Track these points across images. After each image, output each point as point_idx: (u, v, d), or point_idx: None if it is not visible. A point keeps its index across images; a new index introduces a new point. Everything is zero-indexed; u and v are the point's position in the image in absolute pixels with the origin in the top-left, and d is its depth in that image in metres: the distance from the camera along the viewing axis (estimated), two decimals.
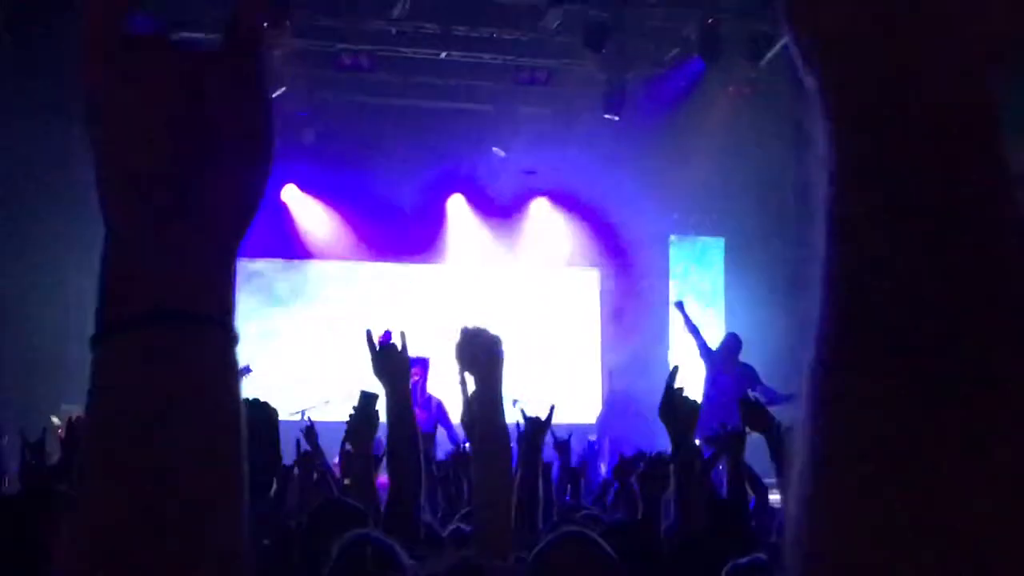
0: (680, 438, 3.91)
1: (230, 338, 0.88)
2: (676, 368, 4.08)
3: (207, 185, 0.89)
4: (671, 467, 3.95)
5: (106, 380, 0.86)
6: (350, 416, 4.79)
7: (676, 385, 4.01)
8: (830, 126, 0.68)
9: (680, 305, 13.66)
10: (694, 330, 13.16)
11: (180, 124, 0.88)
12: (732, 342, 13.00)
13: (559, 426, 9.12)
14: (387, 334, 11.00)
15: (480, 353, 3.10)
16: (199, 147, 0.89)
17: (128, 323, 0.85)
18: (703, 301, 15.79)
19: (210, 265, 0.89)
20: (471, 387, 3.13)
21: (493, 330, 3.22)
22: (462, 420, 3.53)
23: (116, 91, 0.89)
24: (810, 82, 0.70)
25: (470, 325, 3.24)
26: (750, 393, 9.63)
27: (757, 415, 4.86)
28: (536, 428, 4.75)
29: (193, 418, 0.85)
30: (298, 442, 6.31)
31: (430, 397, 11.89)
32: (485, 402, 3.08)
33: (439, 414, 11.72)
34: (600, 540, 2.83)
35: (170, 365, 0.85)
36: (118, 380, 0.86)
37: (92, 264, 0.89)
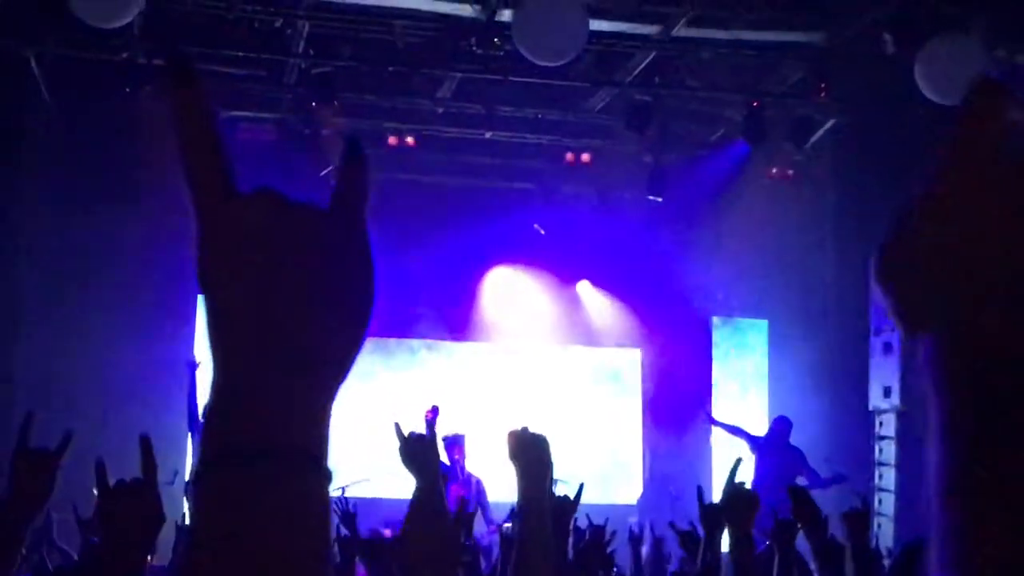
0: (740, 533, 3.94)
1: (327, 475, 0.94)
2: (739, 461, 4.14)
3: (315, 334, 0.95)
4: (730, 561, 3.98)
5: (214, 507, 0.92)
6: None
7: (737, 478, 4.09)
8: (949, 402, 0.74)
9: (709, 418, 13.78)
10: (735, 431, 13.17)
11: (290, 276, 0.94)
12: (782, 426, 12.95)
13: (598, 506, 9.12)
14: (434, 410, 10.99)
15: (531, 457, 3.10)
16: (308, 298, 0.94)
17: (240, 456, 0.91)
18: (744, 383, 15.73)
19: (314, 408, 0.95)
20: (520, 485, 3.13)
21: (540, 429, 3.22)
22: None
23: (230, 243, 0.94)
24: (917, 350, 0.76)
25: (519, 427, 3.24)
26: (798, 480, 9.61)
27: (805, 507, 4.85)
28: (564, 507, 4.70)
29: (292, 544, 0.91)
30: (337, 527, 6.25)
31: (470, 476, 11.88)
32: (533, 506, 3.08)
33: (478, 493, 11.70)
34: None
35: (278, 496, 0.92)
36: (226, 508, 0.92)
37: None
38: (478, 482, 11.92)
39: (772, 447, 12.67)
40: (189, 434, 12.45)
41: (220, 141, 0.97)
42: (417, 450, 3.83)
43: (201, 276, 0.94)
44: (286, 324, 0.93)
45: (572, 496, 4.89)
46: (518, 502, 3.15)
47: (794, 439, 12.88)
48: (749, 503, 4.12)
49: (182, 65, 0.97)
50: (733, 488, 4.12)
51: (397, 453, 3.79)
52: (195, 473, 0.92)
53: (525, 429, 3.20)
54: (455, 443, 11.81)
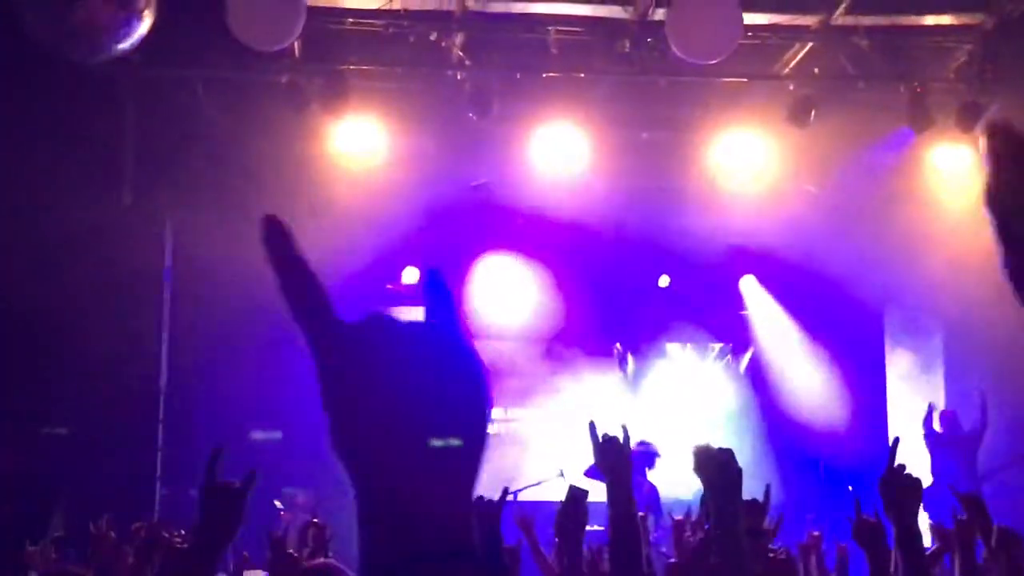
0: (904, 522, 3.66)
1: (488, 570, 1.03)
2: (897, 440, 3.81)
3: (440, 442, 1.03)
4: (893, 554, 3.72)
5: None
6: (559, 512, 4.74)
7: (898, 460, 3.74)
8: None
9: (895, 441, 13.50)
10: (928, 444, 12.95)
11: (407, 392, 1.02)
12: (945, 419, 12.71)
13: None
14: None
15: (717, 470, 3.09)
16: (426, 408, 1.02)
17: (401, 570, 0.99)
18: (919, 372, 15.41)
19: (457, 509, 1.03)
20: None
21: (721, 443, 3.21)
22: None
23: (346, 369, 1.03)
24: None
25: (702, 443, 3.24)
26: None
27: (978, 514, 4.72)
28: (754, 511, 4.63)
29: None
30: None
31: (643, 480, 11.90)
32: (724, 517, 3.07)
33: (650, 498, 11.70)
34: None
35: None
36: None
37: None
38: (652, 488, 11.95)
39: (944, 441, 12.43)
40: None
41: (316, 282, 1.07)
42: (611, 453, 3.84)
43: (325, 402, 1.04)
44: (411, 435, 1.01)
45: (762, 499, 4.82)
46: (709, 515, 3.14)
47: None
48: (912, 490, 3.73)
49: (274, 223, 1.09)
50: (892, 473, 3.76)
51: (591, 452, 3.81)
52: None
53: (709, 445, 3.19)
54: (644, 453, 11.92)
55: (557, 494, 5.10)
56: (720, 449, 3.26)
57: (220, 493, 3.16)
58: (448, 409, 1.03)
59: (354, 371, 1.03)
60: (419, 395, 1.02)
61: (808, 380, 15.38)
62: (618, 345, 15.32)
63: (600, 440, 3.92)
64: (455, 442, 1.03)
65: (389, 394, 1.02)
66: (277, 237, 1.08)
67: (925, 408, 14.13)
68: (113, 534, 6.26)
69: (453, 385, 1.04)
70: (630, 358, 15.39)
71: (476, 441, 1.05)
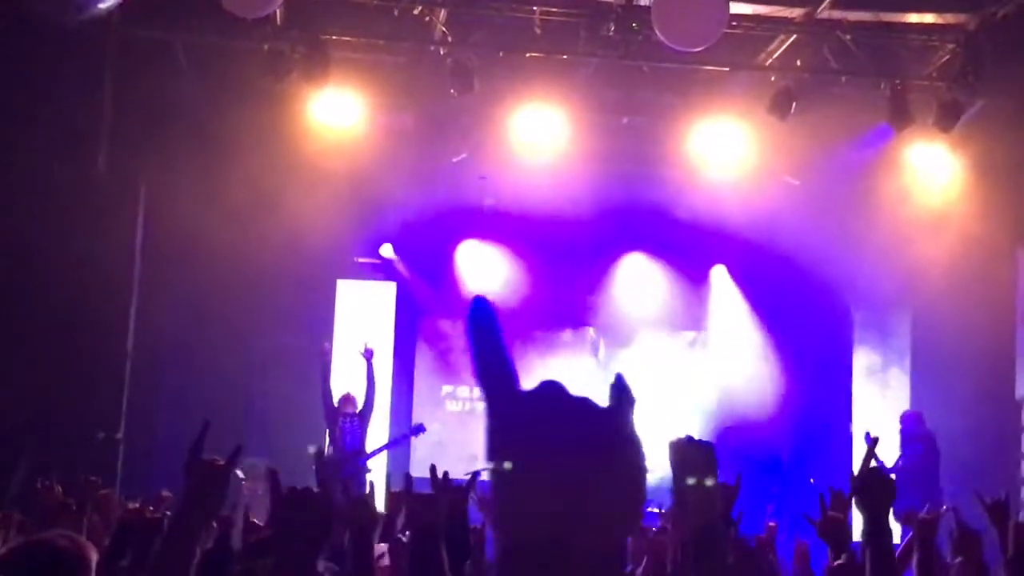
0: (875, 519, 3.68)
1: None
2: (876, 440, 3.84)
3: (590, 517, 1.10)
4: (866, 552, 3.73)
5: None
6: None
7: (873, 461, 3.76)
8: None
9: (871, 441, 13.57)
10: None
11: (566, 462, 1.09)
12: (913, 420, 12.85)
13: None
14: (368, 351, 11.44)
15: (698, 463, 3.07)
16: (583, 481, 1.09)
17: None
18: (886, 368, 15.48)
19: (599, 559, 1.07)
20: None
21: (704, 436, 3.19)
22: None
23: (515, 432, 1.13)
24: None
25: (679, 436, 3.22)
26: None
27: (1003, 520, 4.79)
28: (728, 496, 4.60)
29: None
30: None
31: None
32: (705, 510, 3.06)
33: None
34: None
35: None
36: None
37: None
38: None
39: (907, 439, 12.54)
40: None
41: (508, 356, 1.15)
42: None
43: (491, 458, 1.12)
44: (563, 507, 1.06)
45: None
46: (688, 512, 3.12)
47: (940, 431, 12.66)
48: (885, 489, 3.71)
49: (484, 307, 1.20)
50: (869, 472, 3.73)
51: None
52: None
53: (689, 437, 3.16)
54: None
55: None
56: (699, 442, 3.23)
57: (205, 470, 3.10)
58: (597, 487, 1.08)
59: (521, 437, 1.11)
60: (573, 466, 1.08)
61: (771, 373, 15.42)
62: (592, 330, 15.34)
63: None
64: (600, 524, 1.07)
65: (546, 460, 1.09)
66: (484, 318, 1.17)
67: (893, 407, 14.28)
68: (61, 490, 6.20)
69: (608, 464, 1.09)
70: (602, 342, 15.41)
71: (622, 523, 1.11)
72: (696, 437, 3.11)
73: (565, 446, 1.07)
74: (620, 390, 1.16)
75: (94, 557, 3.28)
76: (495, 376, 1.14)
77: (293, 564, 2.97)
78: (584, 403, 1.12)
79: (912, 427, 13.31)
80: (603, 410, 1.12)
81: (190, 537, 3.07)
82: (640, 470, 1.11)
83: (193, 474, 3.07)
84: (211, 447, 3.20)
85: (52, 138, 11.50)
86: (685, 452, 3.07)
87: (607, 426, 1.11)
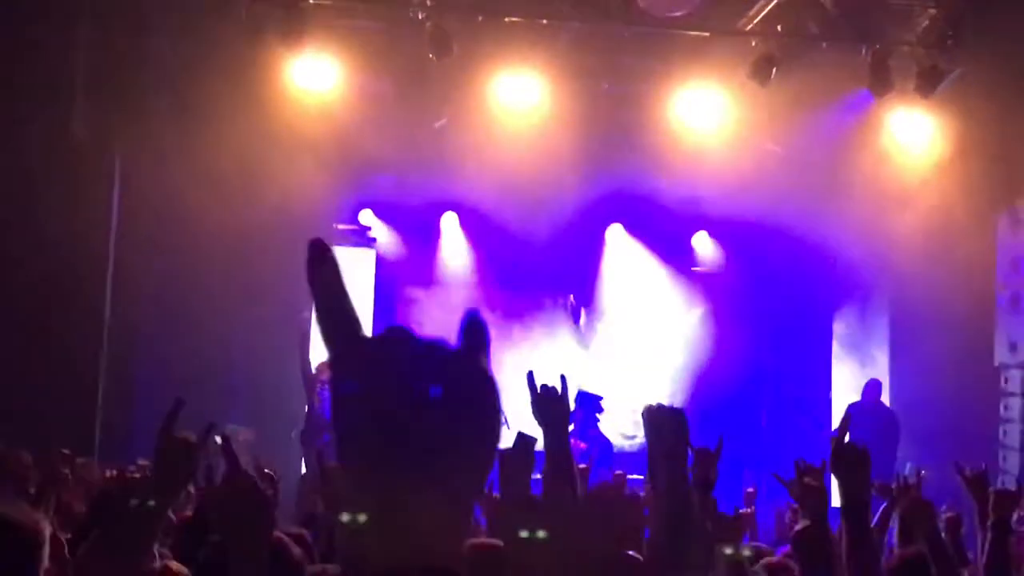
0: (852, 493, 3.67)
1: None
2: (849, 415, 3.85)
3: (443, 453, 1.09)
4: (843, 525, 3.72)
5: None
6: (502, 458, 4.66)
7: (847, 433, 3.74)
8: None
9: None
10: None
11: (415, 402, 1.09)
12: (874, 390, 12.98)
13: None
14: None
15: (667, 429, 3.06)
16: (434, 420, 1.09)
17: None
18: (866, 334, 15.51)
19: (449, 524, 1.09)
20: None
21: (674, 403, 3.19)
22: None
23: (360, 379, 1.11)
24: None
25: (653, 403, 3.20)
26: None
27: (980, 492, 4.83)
28: (707, 461, 4.57)
29: None
30: None
31: (598, 434, 11.99)
32: (676, 477, 3.05)
33: (602, 452, 11.78)
34: None
35: None
36: None
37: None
38: (606, 442, 12.02)
39: (865, 411, 12.60)
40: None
41: (348, 302, 1.19)
42: (549, 403, 3.83)
43: (335, 409, 1.13)
44: (415, 444, 1.07)
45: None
46: (657, 472, 3.12)
47: (919, 398, 12.70)
48: (861, 463, 3.70)
49: (320, 248, 1.22)
50: (841, 444, 3.72)
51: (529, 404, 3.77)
52: None
53: (661, 404, 3.16)
54: (586, 401, 11.97)
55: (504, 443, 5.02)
56: (671, 408, 3.22)
57: (175, 445, 3.06)
58: (452, 423, 1.09)
59: (369, 384, 1.10)
60: (424, 407, 1.08)
61: (750, 341, 15.42)
62: (571, 297, 15.31)
63: (538, 390, 3.90)
64: (454, 458, 1.07)
65: (396, 403, 1.08)
66: (321, 262, 1.19)
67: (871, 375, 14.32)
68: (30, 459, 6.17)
69: (460, 402, 1.10)
70: (582, 311, 15.38)
71: (477, 459, 1.11)
72: (669, 404, 3.10)
73: (411, 386, 1.08)
74: (472, 330, 1.17)
75: (47, 531, 3.21)
76: (337, 324, 1.15)
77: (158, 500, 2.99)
78: (432, 344, 1.12)
79: (869, 396, 13.44)
80: (452, 350, 1.13)
81: (158, 511, 3.03)
82: (493, 409, 1.12)
83: (162, 450, 3.03)
84: (192, 418, 3.17)
85: (25, 103, 11.37)
86: (657, 418, 3.06)
87: (455, 365, 1.12)
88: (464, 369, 1.12)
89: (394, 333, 1.14)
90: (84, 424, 11.90)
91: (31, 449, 6.73)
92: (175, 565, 4.31)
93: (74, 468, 6.84)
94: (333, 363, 1.14)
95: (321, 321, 1.16)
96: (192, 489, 7.27)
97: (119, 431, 12.03)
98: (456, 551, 1.06)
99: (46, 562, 3.15)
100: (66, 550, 4.66)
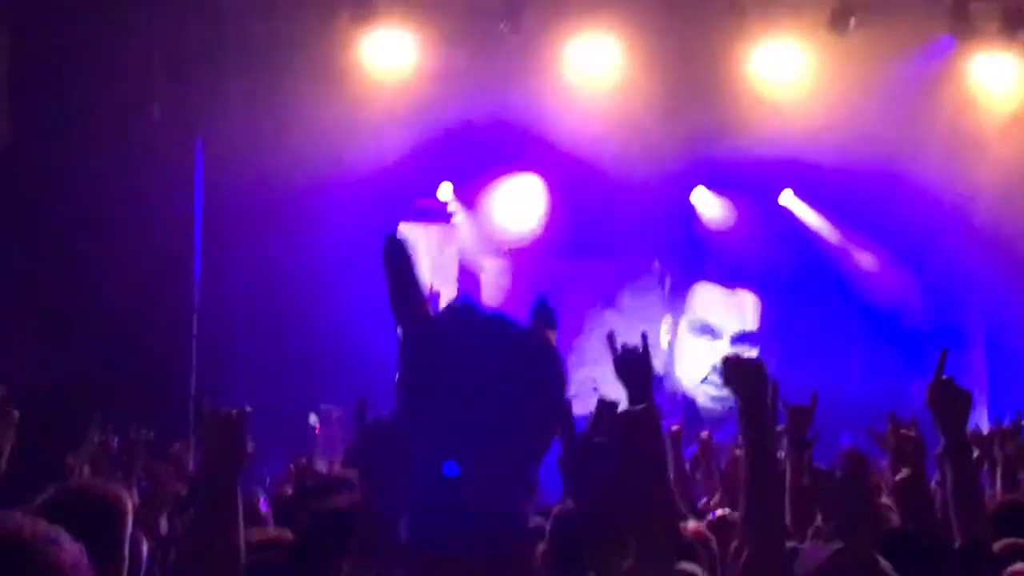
0: (953, 433, 3.60)
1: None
2: (946, 351, 3.74)
3: (507, 424, 1.13)
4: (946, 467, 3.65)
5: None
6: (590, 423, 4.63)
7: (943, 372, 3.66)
8: None
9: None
10: None
11: (481, 377, 1.13)
12: None
13: None
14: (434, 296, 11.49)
15: (749, 380, 3.02)
16: (498, 395, 1.13)
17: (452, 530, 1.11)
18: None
19: (516, 479, 1.14)
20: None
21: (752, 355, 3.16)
22: None
23: (429, 356, 1.15)
24: None
25: (731, 354, 3.17)
26: None
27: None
28: (801, 418, 4.50)
29: None
30: None
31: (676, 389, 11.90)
32: (757, 427, 3.01)
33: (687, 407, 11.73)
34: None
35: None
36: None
37: None
38: (685, 396, 11.96)
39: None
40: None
41: (418, 283, 1.22)
42: (631, 362, 3.80)
43: (402, 381, 1.16)
44: (480, 412, 1.11)
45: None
46: (740, 427, 3.08)
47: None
48: (961, 401, 3.63)
49: (396, 242, 1.26)
50: (940, 384, 3.62)
51: (612, 364, 3.75)
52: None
53: (738, 355, 3.12)
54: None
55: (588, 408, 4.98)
56: (752, 359, 3.18)
57: (217, 420, 3.20)
58: (516, 399, 1.12)
59: (437, 359, 1.15)
60: (489, 382, 1.12)
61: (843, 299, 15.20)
62: (656, 262, 15.19)
63: (620, 351, 3.88)
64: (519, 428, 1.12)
65: (462, 379, 1.12)
66: (398, 255, 1.23)
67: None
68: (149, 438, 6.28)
69: (524, 377, 1.14)
70: (668, 276, 15.25)
71: (540, 431, 1.15)
72: (747, 356, 3.07)
73: (478, 361, 1.13)
74: (541, 311, 1.22)
75: (130, 504, 3.41)
76: (408, 303, 1.19)
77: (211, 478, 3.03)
78: (498, 320, 1.17)
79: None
80: (518, 327, 1.18)
81: (223, 494, 3.14)
82: (556, 379, 1.16)
83: (207, 428, 3.19)
84: (285, 398, 3.29)
85: (106, 86, 11.53)
86: (735, 370, 3.03)
87: (521, 338, 1.16)
88: (529, 342, 1.17)
89: (461, 308, 1.18)
90: (179, 407, 12.08)
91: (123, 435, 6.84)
92: (274, 530, 4.43)
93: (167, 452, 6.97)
94: (403, 343, 1.18)
95: (392, 303, 1.21)
96: (292, 466, 7.41)
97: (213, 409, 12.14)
98: (518, 510, 1.12)
99: (129, 529, 3.35)
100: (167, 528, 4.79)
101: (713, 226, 15.33)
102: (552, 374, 1.16)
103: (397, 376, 1.16)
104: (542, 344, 1.17)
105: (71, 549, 2.56)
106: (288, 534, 3.96)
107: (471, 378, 1.12)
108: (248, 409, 3.30)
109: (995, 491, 5.34)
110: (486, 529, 1.08)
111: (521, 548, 1.11)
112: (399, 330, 1.19)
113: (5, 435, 4.82)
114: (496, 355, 1.14)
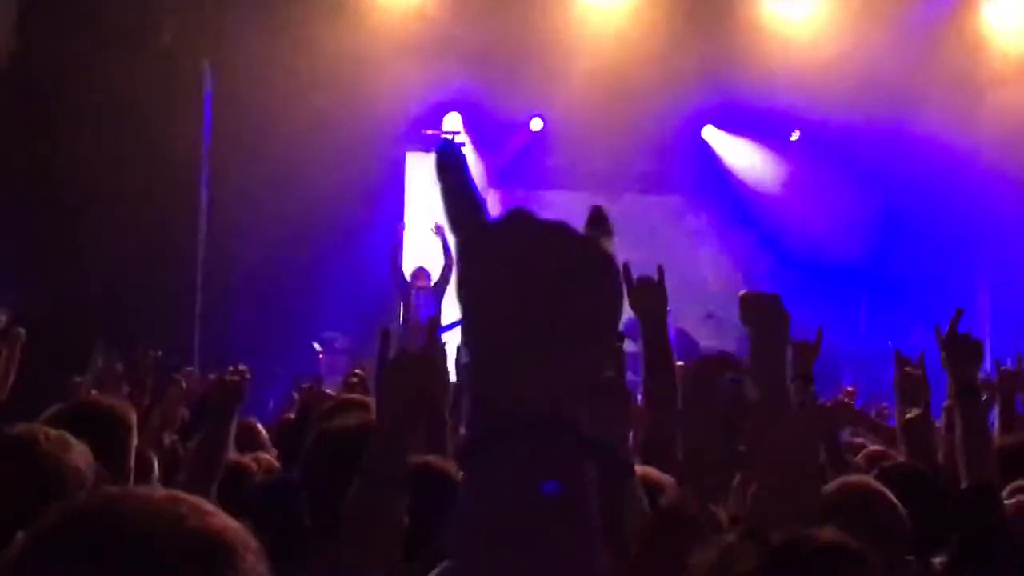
0: (964, 379, 3.65)
1: (582, 442, 1.08)
2: (961, 310, 3.84)
3: (563, 336, 1.11)
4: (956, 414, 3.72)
5: (484, 480, 1.08)
6: None
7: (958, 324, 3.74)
8: None
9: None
10: None
11: (539, 285, 1.11)
12: None
13: None
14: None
15: (768, 316, 3.01)
16: (556, 305, 1.11)
17: (503, 433, 1.07)
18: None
19: (570, 386, 1.10)
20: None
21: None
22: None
23: (486, 266, 1.14)
24: None
25: (747, 291, 3.18)
26: None
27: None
28: (807, 354, 4.51)
29: (552, 516, 1.05)
30: None
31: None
32: (773, 362, 3.02)
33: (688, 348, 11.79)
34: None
35: (537, 468, 1.06)
36: (495, 481, 1.07)
37: None
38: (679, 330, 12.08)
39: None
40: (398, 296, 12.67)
41: (474, 189, 1.19)
42: (645, 292, 3.84)
43: (460, 291, 1.13)
44: (537, 326, 1.09)
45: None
46: (754, 363, 3.08)
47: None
48: (974, 349, 3.78)
49: (450, 148, 1.22)
50: (956, 334, 3.76)
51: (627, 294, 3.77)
52: (466, 450, 1.08)
53: (758, 291, 3.12)
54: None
55: None
56: (768, 295, 3.18)
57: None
58: (571, 307, 1.10)
59: (490, 269, 1.13)
60: (547, 291, 1.10)
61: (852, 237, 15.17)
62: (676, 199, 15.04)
63: (633, 283, 3.92)
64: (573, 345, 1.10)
65: (518, 289, 1.10)
66: (452, 160, 1.20)
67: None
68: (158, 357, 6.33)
69: (579, 291, 1.11)
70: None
71: (597, 340, 1.12)
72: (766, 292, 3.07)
73: (538, 269, 1.11)
74: (597, 220, 1.21)
75: (134, 418, 3.56)
76: (464, 211, 1.17)
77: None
78: (557, 227, 1.14)
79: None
80: (578, 235, 1.16)
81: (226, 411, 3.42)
82: (615, 287, 1.14)
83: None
84: (289, 324, 3.35)
85: (115, 11, 11.48)
86: (753, 305, 3.02)
87: (580, 245, 1.14)
88: (588, 250, 1.14)
89: (518, 215, 1.15)
90: (184, 334, 12.12)
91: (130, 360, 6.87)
92: (265, 457, 4.85)
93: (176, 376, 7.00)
94: (460, 250, 1.14)
95: (447, 211, 1.18)
96: (295, 394, 7.45)
97: (217, 340, 12.21)
98: (571, 408, 1.08)
99: (135, 442, 3.50)
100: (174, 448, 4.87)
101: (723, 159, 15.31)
102: (616, 284, 1.15)
103: (456, 284, 1.15)
104: (603, 252, 1.15)
105: (80, 450, 2.63)
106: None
107: (534, 285, 1.11)
108: (246, 374, 3.54)
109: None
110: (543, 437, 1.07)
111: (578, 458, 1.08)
112: (454, 238, 1.17)
113: (12, 353, 4.86)
114: (559, 261, 1.12)
